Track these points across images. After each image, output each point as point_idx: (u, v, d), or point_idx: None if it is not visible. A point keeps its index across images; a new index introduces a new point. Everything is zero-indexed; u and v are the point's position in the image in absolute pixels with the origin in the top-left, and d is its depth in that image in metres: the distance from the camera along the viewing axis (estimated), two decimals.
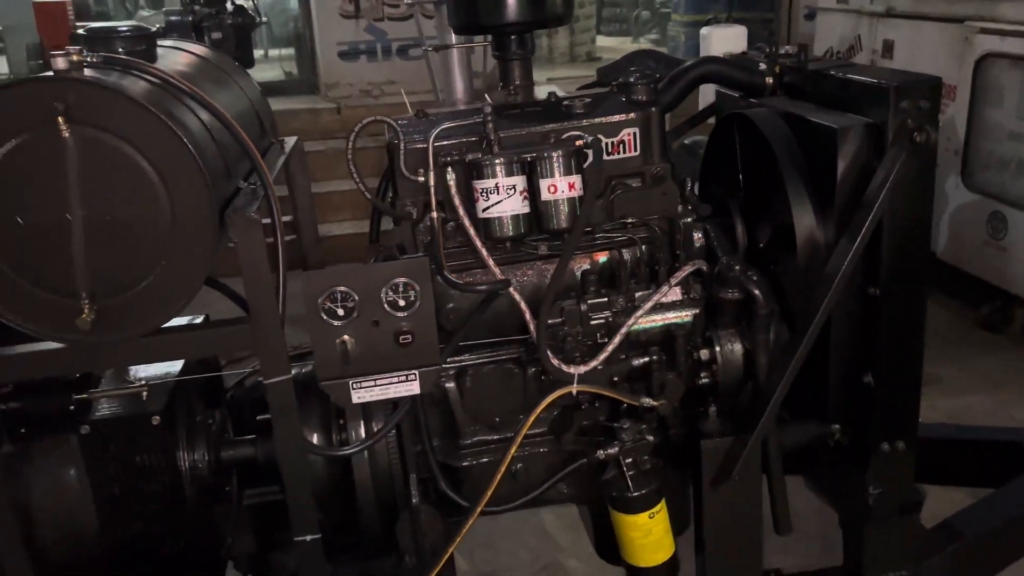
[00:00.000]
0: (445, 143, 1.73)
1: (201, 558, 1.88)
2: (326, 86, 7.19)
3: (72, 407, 1.70)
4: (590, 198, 1.67)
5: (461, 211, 1.68)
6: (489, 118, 1.68)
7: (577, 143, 1.68)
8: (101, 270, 1.50)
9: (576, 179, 1.68)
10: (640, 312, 1.76)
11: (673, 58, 3.43)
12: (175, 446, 1.79)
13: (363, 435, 1.85)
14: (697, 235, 1.88)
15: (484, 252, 1.69)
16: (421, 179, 1.71)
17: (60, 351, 1.55)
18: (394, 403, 1.84)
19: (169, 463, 1.79)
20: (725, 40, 5.13)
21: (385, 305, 1.58)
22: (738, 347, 1.87)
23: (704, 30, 5.59)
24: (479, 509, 1.75)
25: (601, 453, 1.81)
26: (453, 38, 4.44)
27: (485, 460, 1.94)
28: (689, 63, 2.09)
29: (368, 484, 1.85)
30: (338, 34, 7.09)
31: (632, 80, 1.85)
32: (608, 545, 2.10)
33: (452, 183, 1.68)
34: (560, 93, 1.95)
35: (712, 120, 2.28)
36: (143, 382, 1.73)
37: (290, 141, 2.27)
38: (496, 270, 1.70)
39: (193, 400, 1.93)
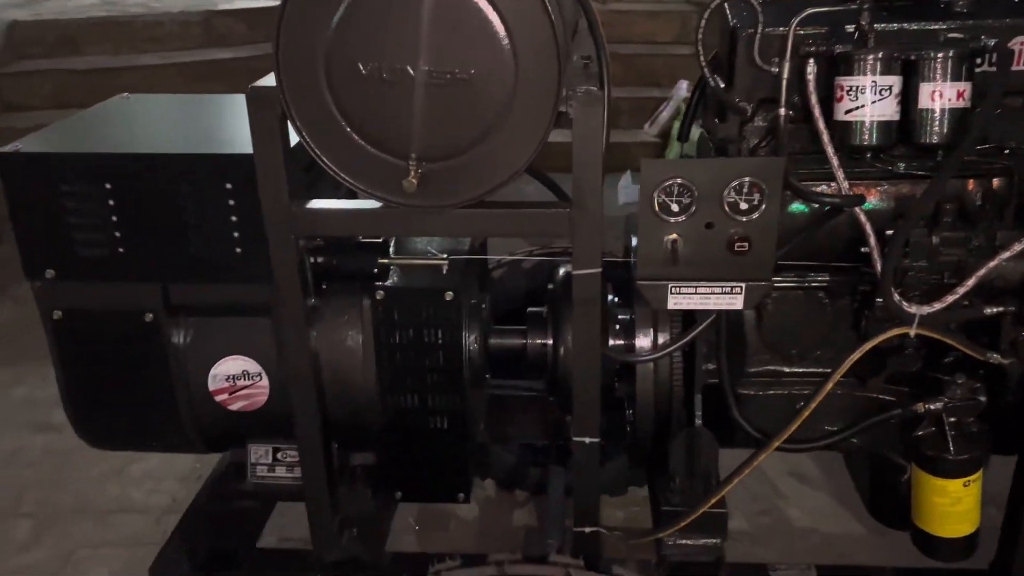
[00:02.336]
0: (808, 31, 1.52)
1: (459, 439, 1.85)
2: None
3: (375, 270, 1.68)
4: (987, 112, 1.42)
5: (817, 111, 1.48)
6: (866, 6, 1.45)
7: (976, 45, 1.43)
8: (434, 131, 1.42)
9: (966, 87, 1.43)
10: (1006, 254, 1.51)
11: None
12: (460, 324, 1.74)
13: (649, 344, 1.74)
14: None
15: (835, 161, 1.49)
16: (774, 69, 1.52)
17: (380, 212, 1.51)
18: (686, 314, 1.71)
19: (453, 340, 1.74)
20: None
21: (725, 206, 1.42)
22: None
23: None
24: (776, 444, 1.60)
25: (921, 406, 1.61)
26: None
27: (771, 392, 1.78)
28: None
29: (649, 396, 1.74)
30: None
31: None
32: (886, 504, 1.91)
33: (811, 77, 1.48)
34: None
35: None
36: (444, 255, 1.67)
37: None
38: (845, 183, 1.49)
39: (473, 282, 1.88)
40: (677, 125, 4.81)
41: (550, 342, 1.85)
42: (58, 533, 2.67)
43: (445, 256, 1.67)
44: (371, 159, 1.45)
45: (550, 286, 1.94)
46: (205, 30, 5.75)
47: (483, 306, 1.93)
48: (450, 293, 1.70)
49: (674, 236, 1.44)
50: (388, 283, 1.71)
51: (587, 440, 1.63)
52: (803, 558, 2.06)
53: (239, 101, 2.05)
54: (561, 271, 1.93)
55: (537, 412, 2.45)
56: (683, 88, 5.03)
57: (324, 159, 1.46)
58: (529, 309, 1.94)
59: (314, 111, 1.43)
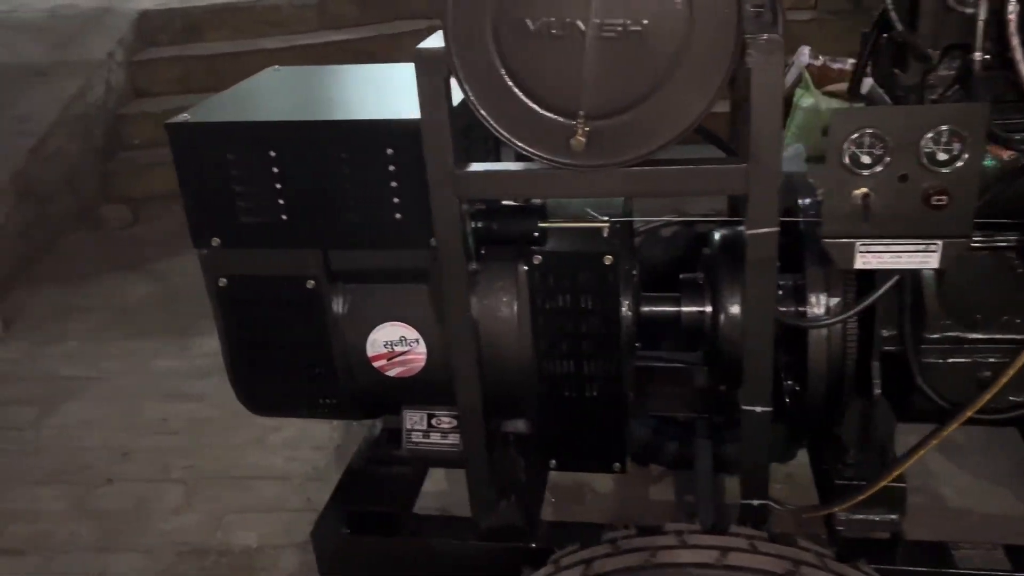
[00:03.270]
0: None
1: (616, 408, 1.81)
2: None
3: (535, 234, 1.65)
4: None
5: (1019, 54, 1.37)
6: None
7: None
8: (603, 87, 1.37)
9: None
10: None
11: None
12: (618, 290, 1.70)
13: (822, 309, 1.66)
14: None
15: None
16: (968, 10, 1.41)
17: (545, 174, 1.47)
18: (859, 275, 1.62)
19: (612, 306, 1.70)
20: None
21: (921, 157, 1.33)
22: None
23: None
24: (968, 413, 1.50)
25: None
26: None
27: (952, 360, 1.67)
28: None
29: (822, 365, 1.67)
30: None
31: None
32: None
33: (1013, 18, 1.37)
34: None
35: None
36: (605, 218, 1.63)
37: None
38: None
39: (628, 246, 1.83)
40: (799, 93, 4.63)
41: (708, 309, 1.79)
42: (207, 498, 2.77)
43: (607, 219, 1.63)
44: (537, 119, 1.42)
45: (705, 251, 1.87)
46: (319, 13, 5.85)
47: (634, 272, 1.88)
48: (609, 257, 1.66)
49: (865, 190, 1.36)
50: (546, 248, 1.68)
51: (758, 409, 1.57)
52: (962, 539, 1.95)
53: (383, 70, 2.08)
54: (716, 235, 1.87)
55: (678, 384, 2.39)
56: (805, 54, 4.83)
57: (490, 120, 1.44)
58: (682, 276, 1.88)
59: (481, 71, 1.41)
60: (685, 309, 1.82)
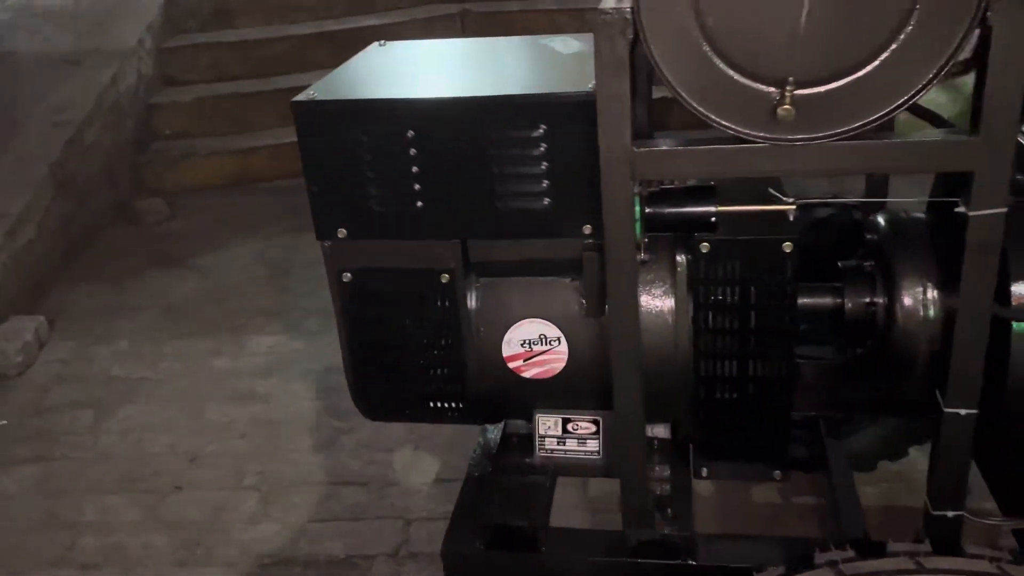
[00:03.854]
0: None
1: (781, 410, 1.65)
2: None
3: (712, 219, 1.49)
4: None
5: None
6: None
7: None
8: (818, 50, 1.21)
9: None
10: None
11: None
12: (794, 281, 1.54)
13: None
14: None
15: None
16: None
17: (742, 150, 1.31)
18: None
19: (786, 299, 1.54)
20: None
21: None
22: None
23: None
24: None
25: None
26: None
27: None
28: None
29: None
30: None
31: None
32: None
33: None
34: None
35: None
36: (791, 199, 1.46)
37: None
38: None
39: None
40: None
41: (881, 300, 1.63)
42: (285, 506, 2.62)
43: (792, 200, 1.46)
44: (735, 88, 1.26)
45: (869, 236, 1.71)
46: None
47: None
48: (789, 244, 1.50)
49: None
50: (716, 235, 1.52)
51: (963, 412, 1.42)
52: None
53: (500, 43, 1.91)
54: (881, 219, 1.71)
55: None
56: None
57: (679, 90, 1.28)
58: (841, 263, 1.72)
59: (673, 36, 1.25)
60: (851, 300, 1.66)
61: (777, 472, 1.68)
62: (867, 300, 1.65)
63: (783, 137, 1.28)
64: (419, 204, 1.56)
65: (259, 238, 4.29)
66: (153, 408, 3.10)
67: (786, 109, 1.23)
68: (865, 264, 1.68)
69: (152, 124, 5.04)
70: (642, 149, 1.35)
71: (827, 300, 1.69)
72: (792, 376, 1.61)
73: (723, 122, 1.29)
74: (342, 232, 1.60)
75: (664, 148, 1.36)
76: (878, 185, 1.90)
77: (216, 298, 3.83)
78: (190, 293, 3.91)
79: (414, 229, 1.58)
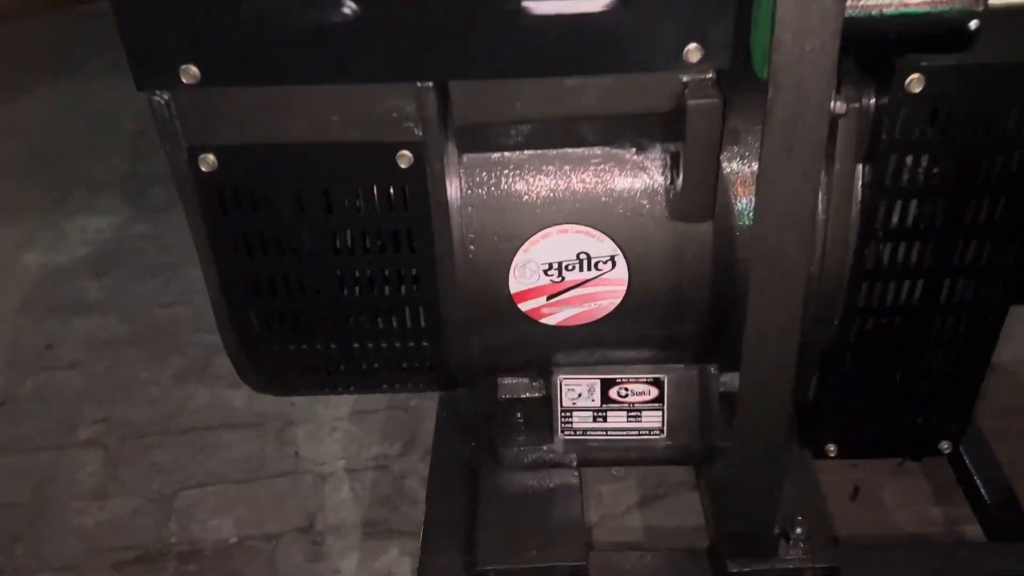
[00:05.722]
0: None
1: (970, 363, 1.03)
2: None
3: (971, 22, 0.76)
4: None
5: None
6: None
7: None
8: None
9: None
10: None
11: None
12: None
13: None
14: None
15: None
16: None
17: None
18: None
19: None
20: None
21: None
22: None
23: None
24: None
25: None
26: None
27: None
28: None
29: None
30: None
31: None
32: None
33: None
34: None
35: None
36: None
37: None
38: None
39: None
40: None
41: None
42: (141, 468, 1.86)
43: None
44: None
45: None
46: None
47: None
48: None
49: None
50: (938, 58, 0.80)
51: None
52: None
53: None
54: None
55: None
56: None
57: None
58: None
59: None
60: None
61: (945, 443, 1.07)
62: None
63: None
64: (346, 8, 0.75)
65: (77, 79, 3.30)
66: None
67: None
68: None
69: None
70: None
71: None
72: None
73: None
74: (191, 73, 0.78)
75: None
76: None
77: (20, 165, 2.88)
78: None
79: (338, 61, 0.78)
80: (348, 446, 1.90)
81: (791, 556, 0.97)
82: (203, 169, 0.85)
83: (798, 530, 0.98)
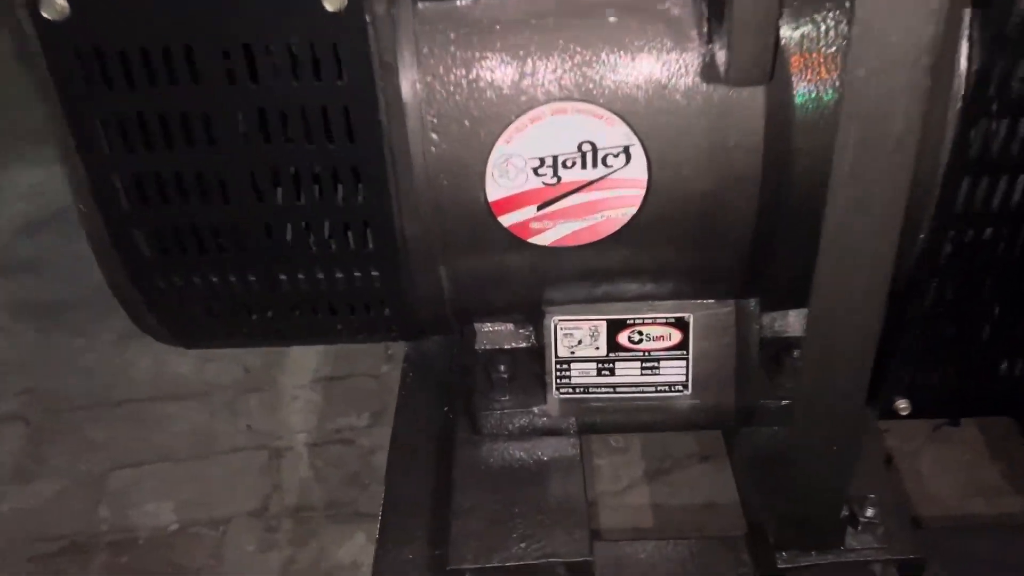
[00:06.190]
0: None
1: None
2: None
3: None
4: None
5: None
6: None
7: None
8: None
9: None
10: None
11: None
12: None
13: None
14: None
15: None
16: None
17: None
18: None
19: None
20: None
21: None
22: None
23: None
24: None
25: None
26: None
27: None
28: None
29: None
30: None
31: None
32: None
33: None
34: None
35: None
36: None
37: None
38: None
39: None
40: None
41: None
42: (68, 445, 1.64)
43: None
44: None
45: None
46: None
47: None
48: None
49: None
50: None
51: None
52: None
53: None
54: None
55: None
56: None
57: None
58: None
59: None
60: None
61: None
62: None
63: None
64: None
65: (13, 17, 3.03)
66: None
67: None
68: None
69: None
70: None
71: None
72: None
73: None
74: None
75: None
76: None
77: None
78: None
79: None
80: (308, 417, 1.69)
81: (861, 545, 0.74)
82: (47, 16, 0.60)
83: (869, 511, 0.75)
